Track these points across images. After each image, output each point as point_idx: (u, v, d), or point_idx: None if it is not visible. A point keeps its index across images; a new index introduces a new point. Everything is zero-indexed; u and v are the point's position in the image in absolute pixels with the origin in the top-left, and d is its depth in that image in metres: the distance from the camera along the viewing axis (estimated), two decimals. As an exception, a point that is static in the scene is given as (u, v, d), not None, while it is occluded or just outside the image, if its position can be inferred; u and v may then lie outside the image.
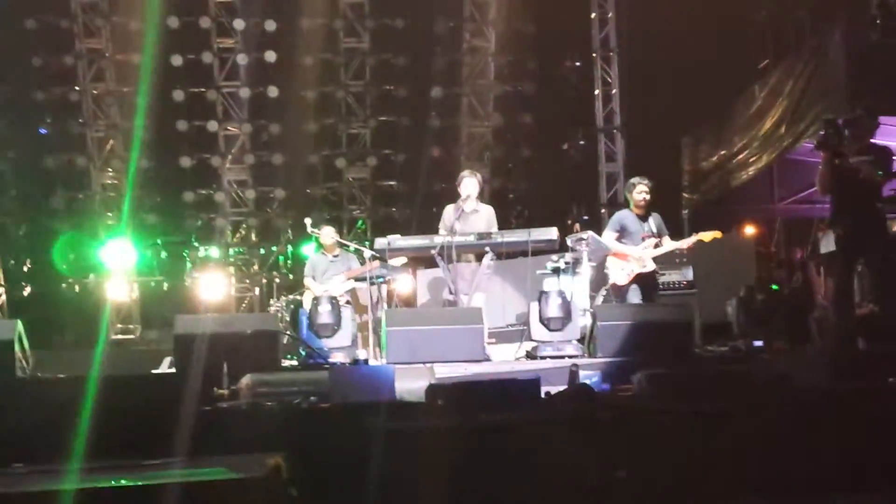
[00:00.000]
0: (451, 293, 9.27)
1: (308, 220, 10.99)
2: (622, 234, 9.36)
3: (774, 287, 11.82)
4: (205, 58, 15.08)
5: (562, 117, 16.50)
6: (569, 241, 10.07)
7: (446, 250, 9.04)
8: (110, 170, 15.26)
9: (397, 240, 9.47)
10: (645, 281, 9.19)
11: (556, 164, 16.66)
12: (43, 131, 15.27)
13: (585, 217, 15.05)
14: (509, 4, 15.37)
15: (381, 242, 9.46)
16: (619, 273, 9.27)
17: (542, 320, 8.76)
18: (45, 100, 14.96)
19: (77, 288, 14.96)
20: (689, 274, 11.13)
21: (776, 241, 14.72)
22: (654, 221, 9.36)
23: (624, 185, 12.72)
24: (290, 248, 15.33)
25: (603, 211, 15.05)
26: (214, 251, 15.17)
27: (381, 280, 10.40)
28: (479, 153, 15.65)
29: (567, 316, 8.74)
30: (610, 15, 15.71)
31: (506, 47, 15.61)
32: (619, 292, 9.29)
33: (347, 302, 10.33)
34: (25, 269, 15.26)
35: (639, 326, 8.11)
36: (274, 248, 15.39)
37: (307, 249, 13.66)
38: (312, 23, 15.21)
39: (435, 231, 9.71)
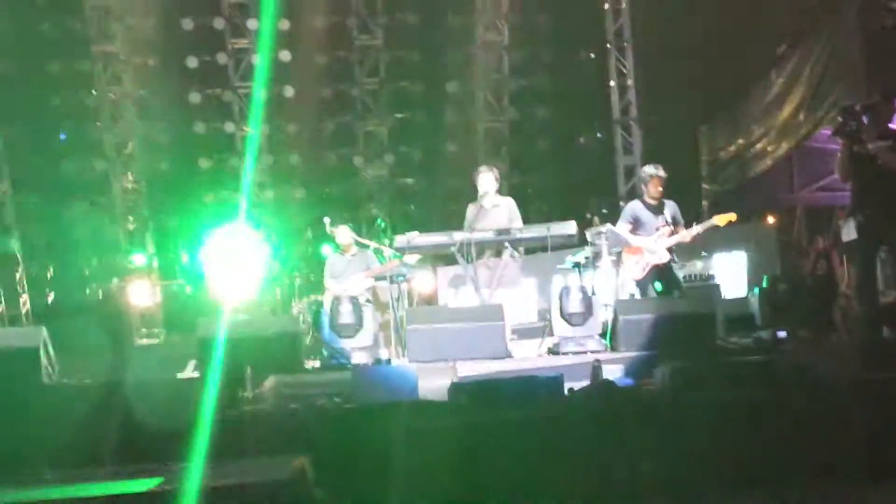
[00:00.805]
0: (473, 290, 9.27)
1: (327, 220, 11.00)
2: (635, 225, 9.27)
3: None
4: (220, 59, 15.12)
5: (578, 110, 16.43)
6: (588, 235, 10.04)
7: (465, 247, 9.03)
8: (130, 173, 15.33)
9: (416, 237, 9.47)
10: (661, 272, 9.11)
11: (573, 157, 16.61)
12: (62, 136, 15.34)
13: (604, 210, 14.98)
14: (522, -3, 15.38)
15: (400, 240, 9.47)
16: (635, 266, 9.22)
17: (563, 316, 8.75)
18: (63, 104, 15.04)
19: (100, 293, 15.04)
20: (710, 265, 11.08)
21: (797, 229, 14.62)
22: (668, 210, 9.25)
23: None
24: (309, 248, 15.35)
25: (621, 203, 14.94)
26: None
27: (401, 278, 10.40)
28: (496, 148, 15.64)
29: (588, 311, 8.73)
30: (623, 6, 15.60)
31: (520, 41, 15.60)
32: (638, 286, 9.27)
33: (368, 301, 10.33)
34: (48, 275, 15.34)
35: (661, 320, 8.08)
36: (294, 249, 15.40)
37: (326, 249, 13.66)
38: (326, 21, 15.23)
39: (455, 227, 9.71)
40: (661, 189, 9.23)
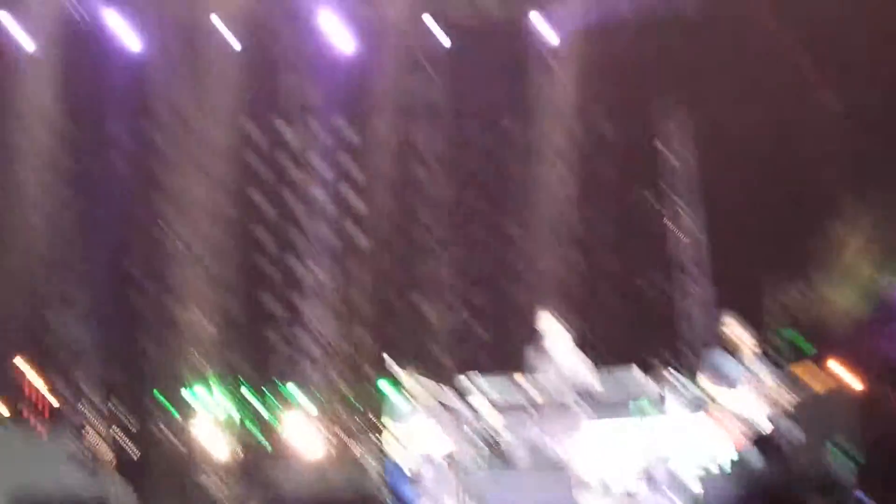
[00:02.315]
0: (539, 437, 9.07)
1: (388, 358, 10.74)
2: (716, 377, 8.95)
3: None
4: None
5: (641, 256, 16.42)
6: (656, 385, 9.83)
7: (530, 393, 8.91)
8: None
9: (478, 379, 9.36)
10: (760, 440, 8.49)
11: (635, 303, 16.49)
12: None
13: (670, 360, 14.76)
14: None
15: (464, 381, 9.34)
16: (725, 428, 8.79)
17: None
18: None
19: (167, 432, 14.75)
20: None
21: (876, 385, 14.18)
22: (750, 361, 8.95)
23: (711, 323, 12.52)
24: (365, 382, 15.09)
25: (685, 349, 14.79)
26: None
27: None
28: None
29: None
30: (691, 158, 15.77)
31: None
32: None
33: (447, 458, 9.84)
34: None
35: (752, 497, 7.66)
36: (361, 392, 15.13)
37: (384, 385, 13.42)
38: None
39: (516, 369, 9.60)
40: (740, 337, 9.03)
